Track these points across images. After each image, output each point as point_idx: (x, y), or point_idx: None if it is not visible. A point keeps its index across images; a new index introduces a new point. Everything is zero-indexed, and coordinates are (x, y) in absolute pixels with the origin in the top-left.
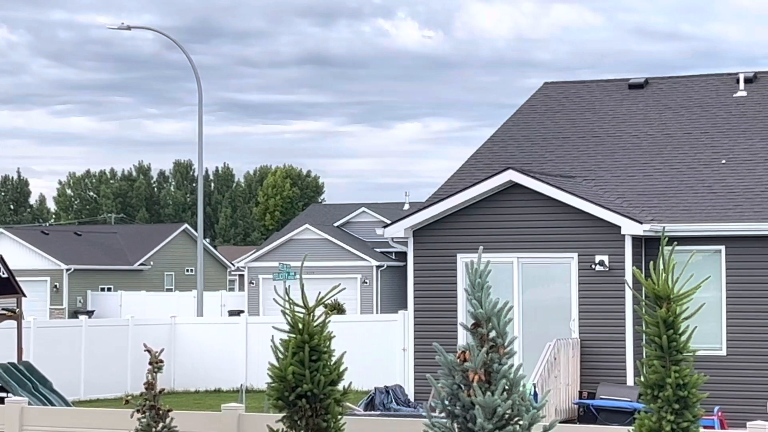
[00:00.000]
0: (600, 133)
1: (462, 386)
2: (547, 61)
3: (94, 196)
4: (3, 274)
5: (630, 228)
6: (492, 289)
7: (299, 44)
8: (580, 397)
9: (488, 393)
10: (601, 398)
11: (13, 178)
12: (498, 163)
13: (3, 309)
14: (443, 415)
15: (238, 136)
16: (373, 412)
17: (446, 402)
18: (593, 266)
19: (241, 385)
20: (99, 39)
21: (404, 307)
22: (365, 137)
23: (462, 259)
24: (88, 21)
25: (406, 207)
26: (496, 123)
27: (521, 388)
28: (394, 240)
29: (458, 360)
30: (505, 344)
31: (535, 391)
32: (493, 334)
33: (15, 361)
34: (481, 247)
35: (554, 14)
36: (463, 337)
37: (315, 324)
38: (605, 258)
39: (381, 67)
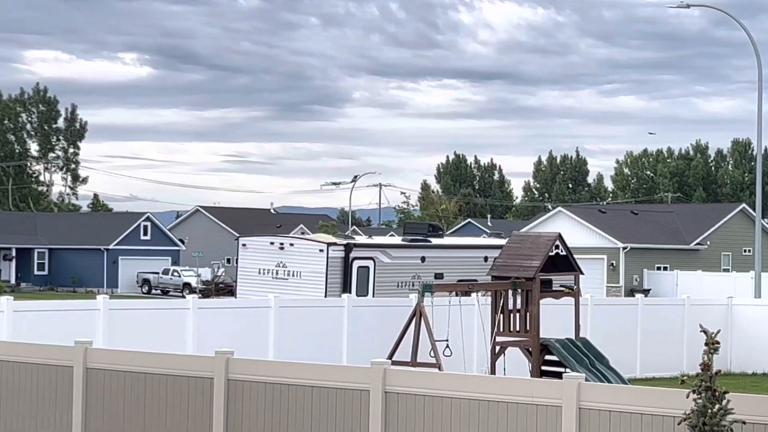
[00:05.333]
0: None
1: None
2: None
3: (651, 175)
4: (561, 251)
5: None
6: None
7: None
8: None
9: None
10: None
11: (571, 157)
12: None
13: (561, 286)
14: None
15: None
16: None
17: None
18: None
19: None
20: (644, 18)
21: None
22: None
23: None
24: (633, 0)
25: None
26: None
27: None
28: None
29: None
30: None
31: None
32: None
33: (572, 337)
34: None
35: None
36: None
37: None
38: None
39: None
